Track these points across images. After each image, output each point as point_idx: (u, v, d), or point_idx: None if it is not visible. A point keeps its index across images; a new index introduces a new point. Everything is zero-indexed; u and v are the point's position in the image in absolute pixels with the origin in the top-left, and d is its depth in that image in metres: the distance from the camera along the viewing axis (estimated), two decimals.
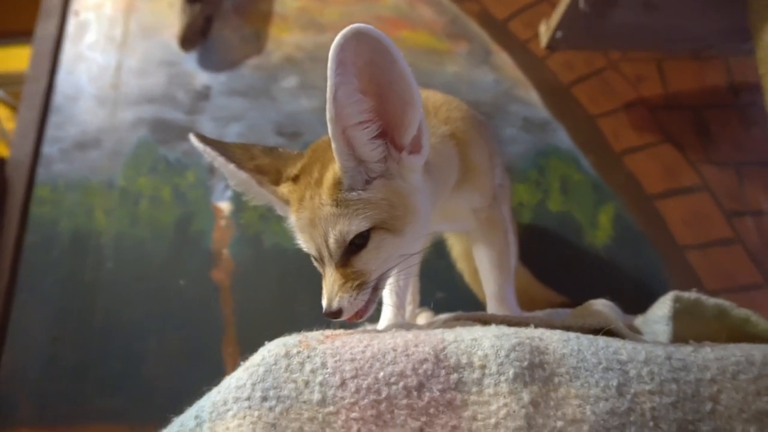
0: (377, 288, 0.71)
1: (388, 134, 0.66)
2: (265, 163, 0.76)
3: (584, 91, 1.67)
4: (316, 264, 0.75)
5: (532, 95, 1.68)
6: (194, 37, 1.78)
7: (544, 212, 1.57)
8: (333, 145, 0.63)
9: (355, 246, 0.68)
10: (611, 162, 1.60)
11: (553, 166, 1.61)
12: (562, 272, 1.49)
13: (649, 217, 1.54)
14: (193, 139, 0.77)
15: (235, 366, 1.57)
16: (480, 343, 0.57)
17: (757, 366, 0.56)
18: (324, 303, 0.69)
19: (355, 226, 0.66)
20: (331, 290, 0.68)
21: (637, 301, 1.43)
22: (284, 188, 0.73)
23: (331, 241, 0.67)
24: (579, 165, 1.60)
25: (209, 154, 0.75)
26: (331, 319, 0.69)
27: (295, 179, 0.73)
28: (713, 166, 1.57)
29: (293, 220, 0.72)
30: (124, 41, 1.89)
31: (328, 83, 0.57)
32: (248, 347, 1.59)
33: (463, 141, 0.84)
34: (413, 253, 0.74)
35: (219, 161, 0.75)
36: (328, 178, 0.67)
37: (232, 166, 0.74)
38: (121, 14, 1.93)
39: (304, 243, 0.72)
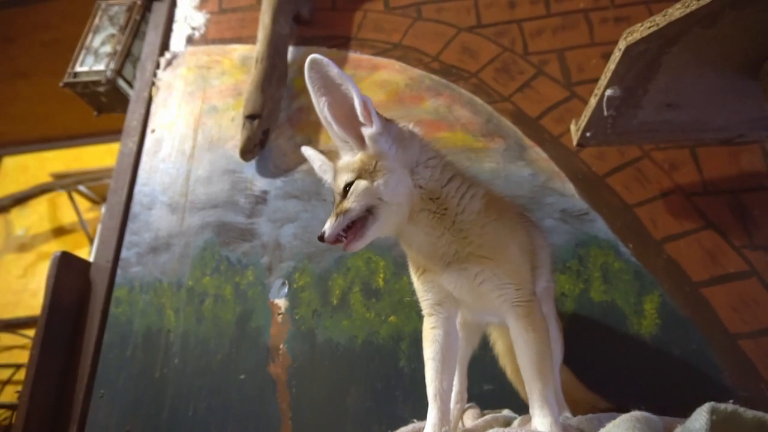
0: (356, 223, 0.96)
1: (348, 117, 0.98)
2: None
3: (619, 181, 1.73)
4: None
5: (568, 187, 1.75)
6: (253, 148, 1.98)
7: (587, 302, 1.59)
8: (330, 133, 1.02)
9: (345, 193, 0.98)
10: (652, 250, 1.62)
11: (594, 256, 1.65)
12: (607, 364, 1.50)
13: (697, 305, 1.54)
14: (306, 150, 1.19)
15: None
16: None
17: None
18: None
19: (346, 178, 0.98)
20: (330, 221, 0.96)
21: (689, 393, 1.42)
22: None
23: (337, 190, 0.99)
24: (619, 253, 1.63)
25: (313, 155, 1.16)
26: (319, 240, 0.95)
27: None
28: (759, 250, 1.57)
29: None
30: (193, 153, 2.13)
31: (313, 98, 0.97)
32: None
33: (494, 207, 1.01)
34: (392, 213, 0.97)
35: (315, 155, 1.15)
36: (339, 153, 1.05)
37: (322, 155, 1.14)
38: (191, 130, 2.19)
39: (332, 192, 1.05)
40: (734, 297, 1.52)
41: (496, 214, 1.00)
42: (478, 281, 0.97)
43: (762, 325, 1.48)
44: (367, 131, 0.97)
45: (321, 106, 0.97)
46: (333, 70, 0.94)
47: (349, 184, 0.97)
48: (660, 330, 1.53)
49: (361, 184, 0.95)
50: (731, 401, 0.84)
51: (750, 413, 0.81)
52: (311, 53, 2.40)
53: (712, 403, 0.83)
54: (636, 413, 0.82)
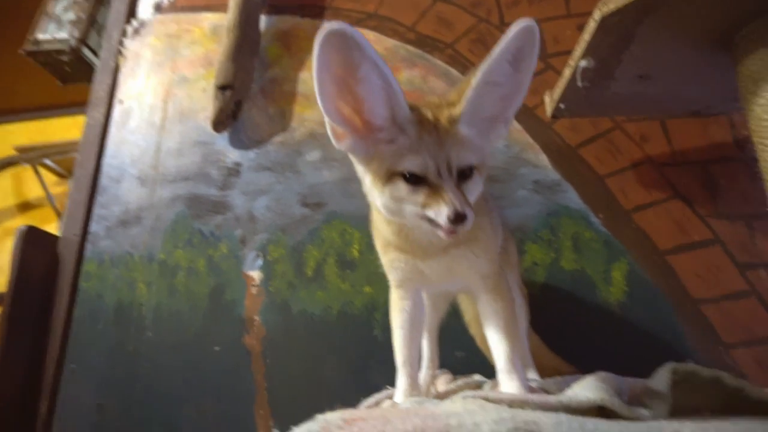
0: None
1: (504, 101, 0.85)
2: None
3: (591, 152, 1.75)
4: (407, 187, 0.82)
5: (542, 158, 1.77)
6: (225, 119, 1.94)
7: (558, 271, 1.63)
8: (469, 93, 0.80)
9: (460, 176, 0.82)
10: (621, 219, 1.65)
11: (565, 226, 1.67)
12: (577, 330, 1.54)
13: (663, 273, 1.58)
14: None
15: (266, 428, 1.66)
16: (480, 428, 0.64)
17: None
18: (452, 206, 0.78)
19: (471, 157, 0.82)
20: (461, 200, 0.79)
21: (653, 357, 1.47)
22: (415, 110, 0.83)
23: (454, 162, 0.81)
24: (590, 223, 1.66)
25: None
26: (456, 223, 0.78)
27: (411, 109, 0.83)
28: (723, 219, 1.61)
29: (414, 138, 0.81)
30: (163, 125, 2.08)
31: (499, 46, 0.77)
32: (279, 410, 1.70)
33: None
34: None
35: (382, 65, 0.77)
36: (451, 113, 0.82)
37: (389, 71, 0.78)
38: (160, 101, 2.13)
39: (421, 160, 0.80)
40: (698, 264, 1.57)
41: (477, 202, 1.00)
42: (457, 261, 0.97)
43: (723, 291, 1.53)
44: (500, 129, 0.88)
45: (503, 63, 0.80)
46: (538, 44, 0.80)
47: (471, 168, 0.83)
48: (627, 297, 1.57)
49: (479, 181, 0.85)
50: (691, 362, 0.88)
51: (707, 371, 0.84)
52: (284, 22, 2.32)
53: (673, 363, 0.87)
54: (601, 373, 0.85)
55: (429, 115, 0.83)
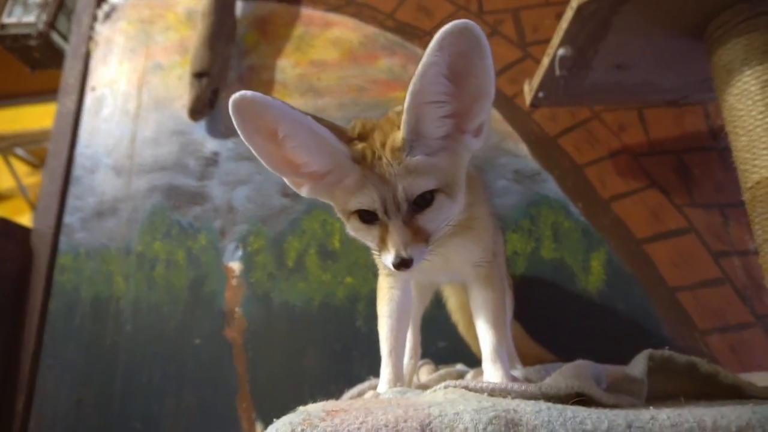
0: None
1: (456, 116, 0.77)
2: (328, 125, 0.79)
3: (570, 142, 1.76)
4: (362, 225, 0.81)
5: (521, 148, 1.78)
6: (202, 108, 1.90)
7: (537, 260, 1.64)
8: (404, 116, 0.74)
9: (416, 205, 0.78)
10: (599, 208, 1.68)
11: (544, 215, 1.69)
12: (556, 319, 1.56)
13: (639, 261, 1.61)
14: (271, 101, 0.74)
15: (249, 420, 1.65)
16: (461, 417, 0.65)
17: (708, 431, 0.62)
18: (395, 252, 0.76)
19: (424, 184, 0.77)
20: (404, 241, 0.76)
21: (631, 344, 1.50)
22: (357, 145, 0.79)
23: (401, 195, 0.76)
24: (569, 213, 1.68)
25: (287, 113, 0.74)
26: (399, 269, 0.76)
27: (360, 139, 0.80)
28: (698, 208, 1.64)
29: (358, 176, 0.78)
30: (138, 114, 2.03)
31: (422, 62, 0.69)
32: (261, 402, 1.68)
33: (471, 184, 0.93)
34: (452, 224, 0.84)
35: (299, 118, 0.74)
36: (394, 142, 0.76)
37: (310, 120, 0.74)
38: (135, 88, 2.08)
39: (367, 198, 0.78)
40: (674, 252, 1.60)
41: (474, 188, 0.97)
42: (453, 251, 0.96)
43: (698, 278, 1.57)
44: (470, 141, 0.80)
45: (433, 79, 0.72)
46: (485, 42, 0.69)
47: (430, 193, 0.78)
48: (606, 285, 1.60)
49: (446, 202, 0.80)
50: (667, 348, 0.90)
51: (683, 357, 0.87)
52: (261, 8, 2.28)
53: (650, 350, 0.89)
54: (579, 362, 0.86)
55: (376, 143, 0.78)
